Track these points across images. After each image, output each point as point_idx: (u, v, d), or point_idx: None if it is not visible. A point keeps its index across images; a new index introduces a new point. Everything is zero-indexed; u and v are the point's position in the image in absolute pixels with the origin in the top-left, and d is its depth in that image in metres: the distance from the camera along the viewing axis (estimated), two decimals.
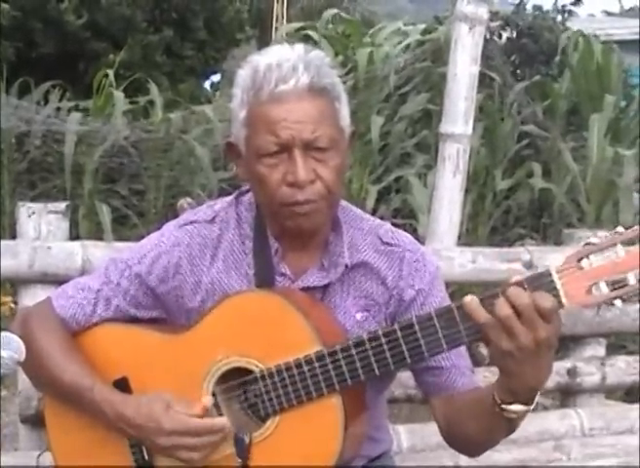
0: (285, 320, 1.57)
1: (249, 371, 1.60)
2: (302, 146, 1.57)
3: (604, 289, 1.40)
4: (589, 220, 5.55)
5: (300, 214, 1.61)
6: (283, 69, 1.57)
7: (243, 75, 1.62)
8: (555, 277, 1.41)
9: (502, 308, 1.40)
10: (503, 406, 1.48)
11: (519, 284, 1.42)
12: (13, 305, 4.70)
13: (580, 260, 1.41)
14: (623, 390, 3.32)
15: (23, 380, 2.10)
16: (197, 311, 1.67)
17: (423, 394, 1.75)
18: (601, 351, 2.74)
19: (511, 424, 1.54)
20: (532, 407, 1.49)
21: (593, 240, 1.42)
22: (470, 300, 1.44)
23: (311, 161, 1.59)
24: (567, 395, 2.74)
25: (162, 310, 1.73)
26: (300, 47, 1.63)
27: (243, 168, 1.67)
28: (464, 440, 1.65)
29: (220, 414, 1.62)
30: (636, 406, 2.81)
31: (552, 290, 1.41)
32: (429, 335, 1.51)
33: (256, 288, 1.66)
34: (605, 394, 2.81)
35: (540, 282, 1.42)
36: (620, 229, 1.40)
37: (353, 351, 1.54)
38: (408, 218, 5.29)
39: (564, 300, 1.41)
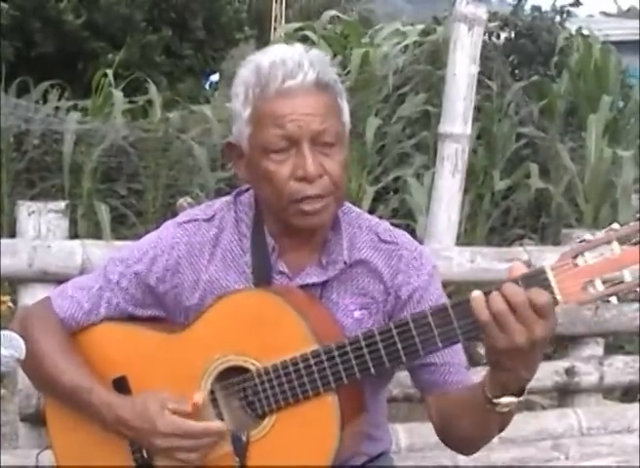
0: (282, 319, 1.58)
1: (246, 370, 1.60)
2: (310, 139, 1.58)
3: (599, 286, 1.39)
4: (587, 221, 5.55)
5: (309, 212, 1.61)
6: (288, 66, 1.59)
7: (246, 73, 1.63)
8: (550, 274, 1.40)
9: (497, 303, 1.39)
10: (495, 400, 1.48)
11: (514, 281, 1.41)
12: (11, 304, 4.70)
13: (575, 258, 1.40)
14: (621, 390, 3.33)
15: (23, 379, 2.10)
16: (195, 309, 1.68)
17: (419, 391, 1.76)
18: (599, 351, 2.75)
19: (504, 419, 1.54)
20: (522, 398, 1.48)
21: (588, 237, 1.41)
22: (477, 297, 1.42)
23: (319, 155, 1.60)
24: (565, 394, 2.75)
25: (160, 308, 1.73)
26: (299, 46, 1.65)
27: (244, 168, 1.67)
28: (458, 437, 1.65)
29: (219, 413, 1.63)
30: (634, 405, 2.82)
31: (547, 287, 1.40)
32: (424, 333, 1.51)
33: (253, 286, 1.67)
34: (603, 394, 2.82)
35: (535, 279, 1.41)
36: (615, 226, 1.39)
37: (349, 349, 1.55)
38: (406, 219, 5.28)
39: (559, 298, 1.40)
